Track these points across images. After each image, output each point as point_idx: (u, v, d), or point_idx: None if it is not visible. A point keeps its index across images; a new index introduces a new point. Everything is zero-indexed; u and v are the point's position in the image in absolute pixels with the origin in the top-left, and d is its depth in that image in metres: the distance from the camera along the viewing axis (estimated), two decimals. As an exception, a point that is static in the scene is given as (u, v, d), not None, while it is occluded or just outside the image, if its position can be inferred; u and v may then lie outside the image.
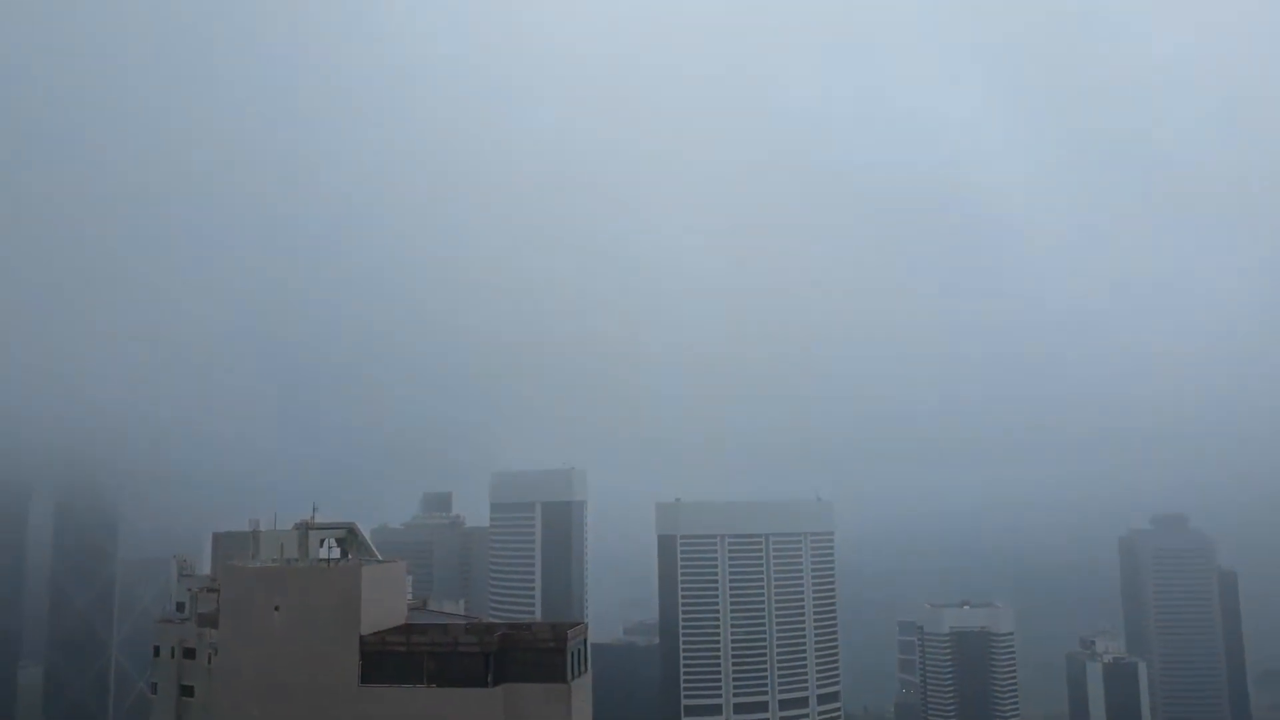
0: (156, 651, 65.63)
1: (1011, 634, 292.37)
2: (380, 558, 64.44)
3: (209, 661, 57.03)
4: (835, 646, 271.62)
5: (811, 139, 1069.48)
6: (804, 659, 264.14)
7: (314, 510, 63.45)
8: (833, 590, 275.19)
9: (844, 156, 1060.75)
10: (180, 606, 67.53)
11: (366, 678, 47.51)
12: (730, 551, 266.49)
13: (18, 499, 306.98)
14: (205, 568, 72.83)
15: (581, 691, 50.07)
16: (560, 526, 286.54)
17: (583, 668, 51.14)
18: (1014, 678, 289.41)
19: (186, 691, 62.26)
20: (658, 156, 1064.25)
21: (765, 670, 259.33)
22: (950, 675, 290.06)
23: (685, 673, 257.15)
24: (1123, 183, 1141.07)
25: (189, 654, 62.92)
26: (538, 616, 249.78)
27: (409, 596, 59.82)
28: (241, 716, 47.67)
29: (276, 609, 48.32)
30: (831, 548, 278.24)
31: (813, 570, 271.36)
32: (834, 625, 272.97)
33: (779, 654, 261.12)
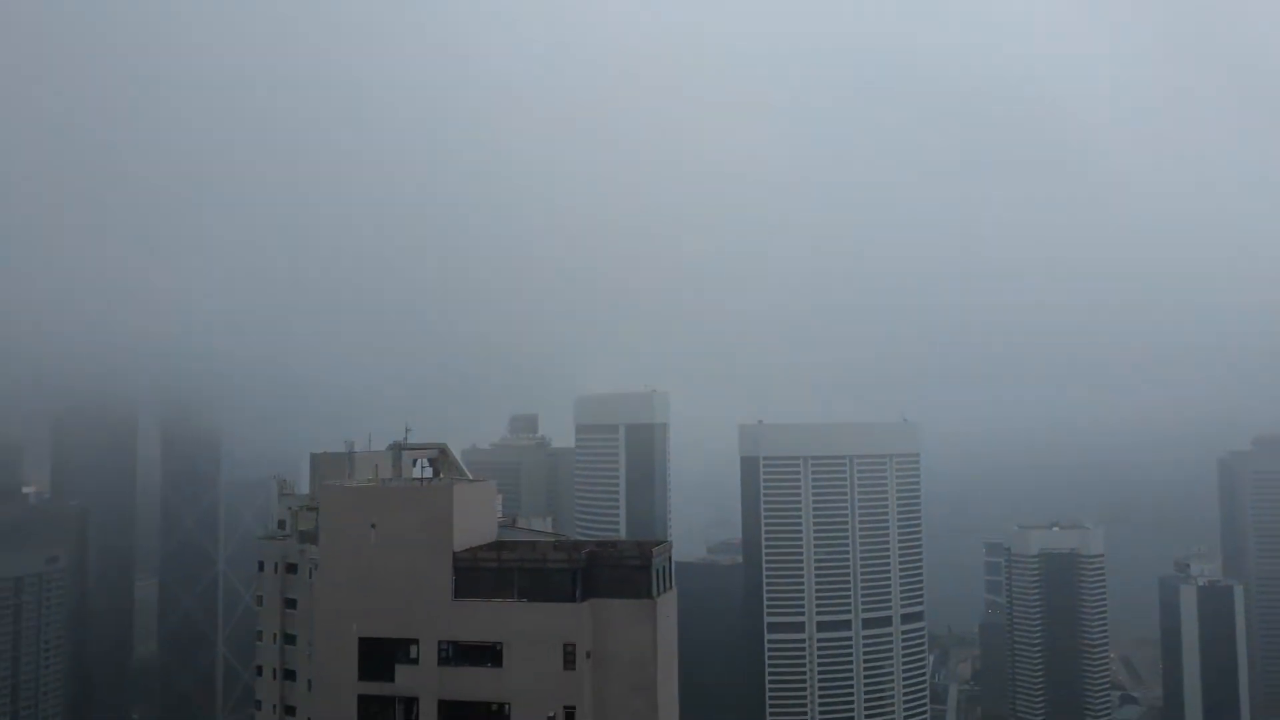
0: (260, 567, 68.90)
1: (1101, 556, 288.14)
2: (471, 477, 65.98)
3: (310, 576, 59.58)
4: (919, 567, 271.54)
5: (884, 33, 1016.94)
6: (888, 579, 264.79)
7: (406, 431, 65.03)
8: (918, 512, 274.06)
9: (920, 58, 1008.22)
10: (281, 524, 70.57)
11: (460, 592, 48.98)
12: (813, 473, 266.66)
13: (127, 425, 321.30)
14: (304, 488, 75.68)
15: (666, 607, 50.93)
16: (643, 448, 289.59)
17: (667, 584, 51.93)
18: (1103, 601, 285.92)
19: (290, 604, 65.41)
20: (735, 61, 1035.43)
21: (848, 590, 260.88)
22: (1038, 597, 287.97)
23: (768, 591, 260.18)
24: (1213, 84, 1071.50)
25: (291, 569, 65.94)
26: (622, 535, 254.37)
27: (499, 514, 61.22)
28: (341, 628, 49.70)
29: (373, 526, 49.90)
30: (917, 469, 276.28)
31: (897, 492, 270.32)
32: (918, 546, 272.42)
33: (862, 574, 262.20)
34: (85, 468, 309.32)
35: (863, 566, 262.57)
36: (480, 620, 48.54)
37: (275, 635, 65.29)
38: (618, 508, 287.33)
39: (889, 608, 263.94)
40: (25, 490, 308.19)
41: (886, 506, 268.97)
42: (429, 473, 64.01)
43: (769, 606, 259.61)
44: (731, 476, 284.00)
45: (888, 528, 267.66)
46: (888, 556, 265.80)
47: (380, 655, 49.25)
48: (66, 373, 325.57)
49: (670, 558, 53.64)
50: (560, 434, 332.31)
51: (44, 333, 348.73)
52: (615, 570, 49.74)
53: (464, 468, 68.95)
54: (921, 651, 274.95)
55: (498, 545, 52.30)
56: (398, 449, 64.89)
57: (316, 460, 71.25)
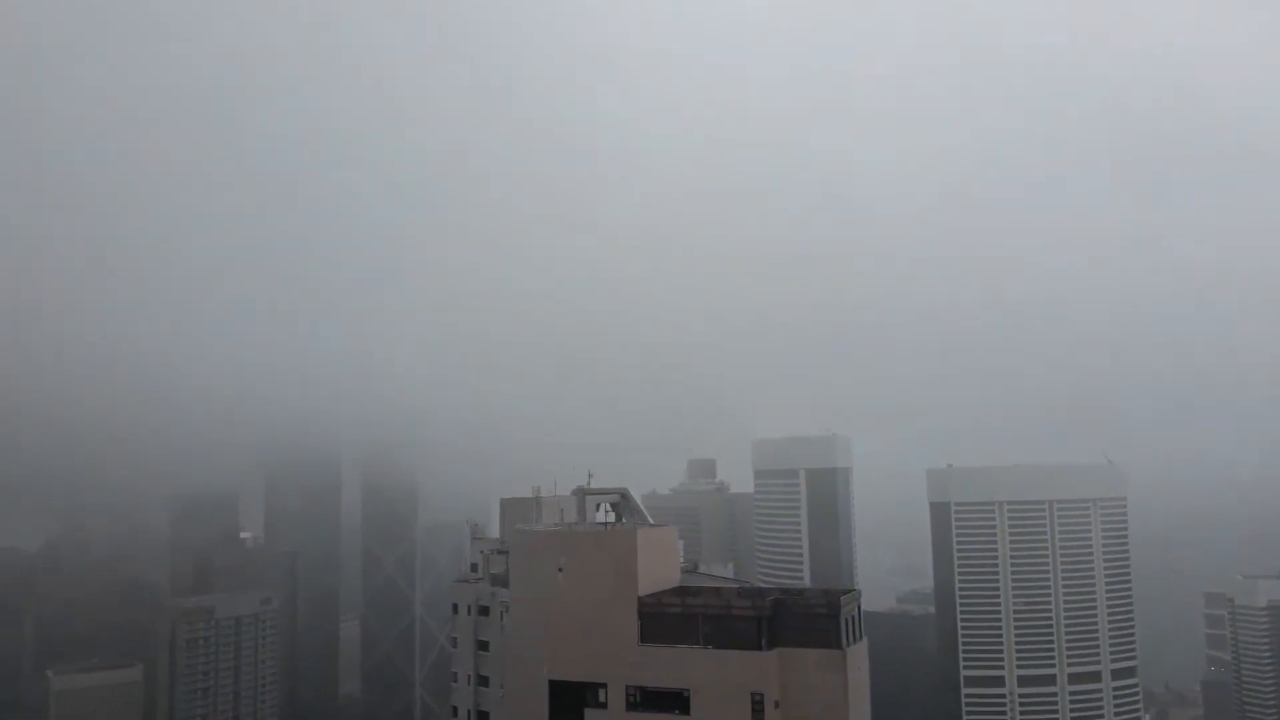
0: (455, 609, 70.98)
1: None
2: (652, 521, 66.18)
3: (501, 619, 61.00)
4: (1130, 619, 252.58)
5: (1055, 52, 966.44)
6: (1095, 631, 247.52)
7: (589, 476, 66.00)
8: (1126, 559, 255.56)
9: (1092, 74, 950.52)
10: (474, 567, 72.67)
11: (645, 637, 48.92)
12: (1010, 518, 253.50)
13: (331, 475, 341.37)
14: (494, 531, 77.84)
15: (857, 658, 49.18)
16: (825, 493, 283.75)
17: (857, 635, 50.19)
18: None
19: (482, 646, 67.06)
20: (899, 87, 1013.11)
21: (1051, 642, 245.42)
22: (1269, 653, 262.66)
23: (964, 643, 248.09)
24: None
25: (483, 611, 67.65)
26: (806, 582, 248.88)
27: (681, 559, 61.03)
28: (531, 670, 50.48)
29: (560, 570, 50.66)
30: (1124, 513, 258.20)
31: (1103, 538, 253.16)
32: (1128, 596, 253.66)
33: (1066, 626, 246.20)
34: (294, 515, 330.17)
35: (1067, 618, 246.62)
36: (667, 666, 48.25)
37: (469, 677, 66.99)
38: (800, 554, 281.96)
39: (1097, 662, 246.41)
40: (242, 536, 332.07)
41: (1091, 553, 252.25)
42: (611, 517, 64.63)
43: (965, 659, 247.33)
44: (919, 523, 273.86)
45: (1093, 576, 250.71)
46: (1094, 607, 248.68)
47: (570, 698, 49.64)
48: (277, 428, 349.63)
49: (859, 607, 51.91)
50: (738, 478, 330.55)
51: (257, 394, 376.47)
52: (802, 619, 48.49)
53: (645, 512, 69.23)
54: (1137, 710, 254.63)
55: (681, 591, 52.03)
56: (581, 494, 65.82)
57: (506, 505, 73.11)
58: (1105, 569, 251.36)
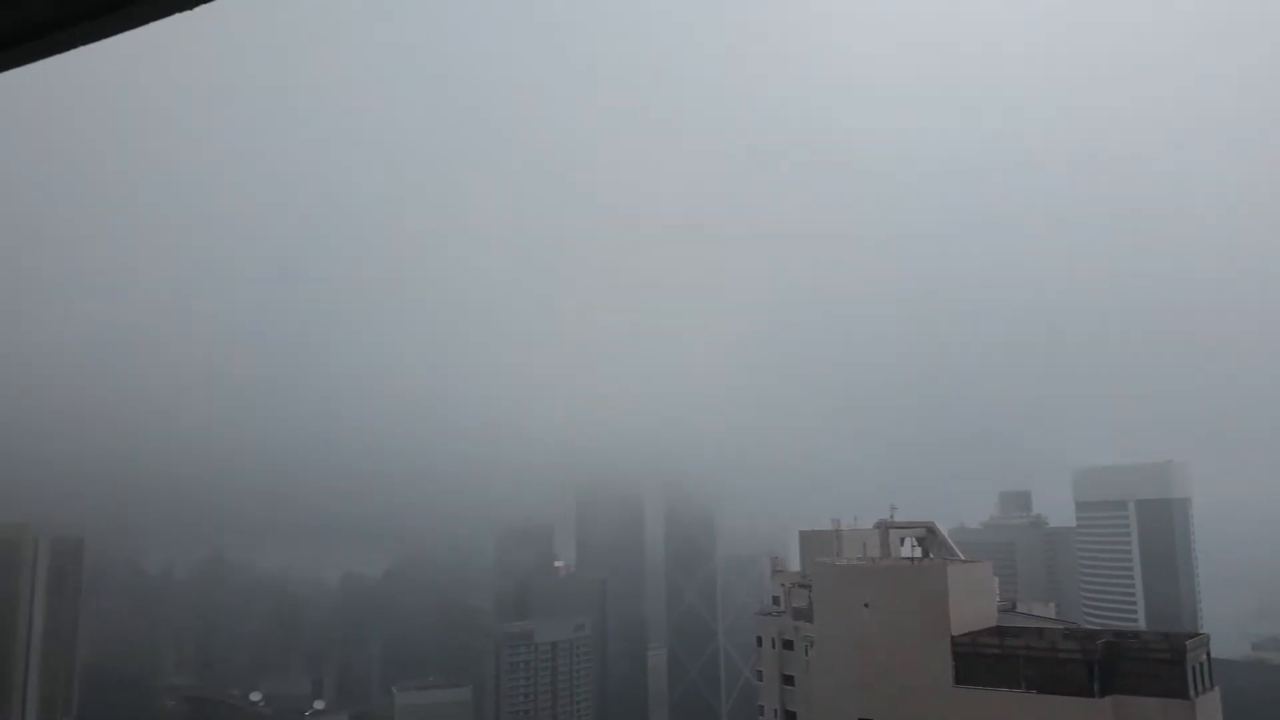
0: (759, 642, 70.93)
1: None
2: (963, 557, 62.95)
3: (806, 653, 60.14)
4: None
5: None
6: None
7: (892, 510, 63.95)
8: None
9: None
10: (775, 600, 72.36)
11: (960, 678, 46.36)
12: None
13: (635, 506, 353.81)
14: (794, 564, 77.22)
15: (1208, 709, 43.97)
16: (1160, 527, 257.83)
17: (1206, 683, 44.89)
18: None
19: (787, 680, 66.38)
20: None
21: None
22: None
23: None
24: None
25: (787, 645, 67.05)
26: (1141, 625, 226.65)
27: (996, 598, 57.51)
28: (839, 708, 49.22)
29: (866, 605, 49.23)
30: None
31: None
32: None
33: None
34: (602, 545, 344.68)
35: None
36: (986, 710, 45.44)
37: (775, 711, 66.47)
38: (1133, 594, 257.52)
39: None
40: (556, 565, 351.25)
41: None
42: (917, 552, 62.13)
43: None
44: (1276, 559, 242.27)
45: None
46: None
47: (880, 739, 47.97)
48: (586, 463, 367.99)
49: (1207, 653, 46.47)
50: (1057, 511, 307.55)
51: (567, 432, 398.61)
52: (1141, 664, 44.11)
53: (954, 547, 65.98)
54: None
55: (999, 631, 48.92)
56: (884, 527, 63.89)
57: (805, 538, 72.44)
58: None
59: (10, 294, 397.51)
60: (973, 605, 49.58)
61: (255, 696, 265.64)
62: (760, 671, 70.26)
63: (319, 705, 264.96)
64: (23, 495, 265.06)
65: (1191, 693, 42.75)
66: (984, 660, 46.09)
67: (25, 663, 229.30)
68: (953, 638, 46.70)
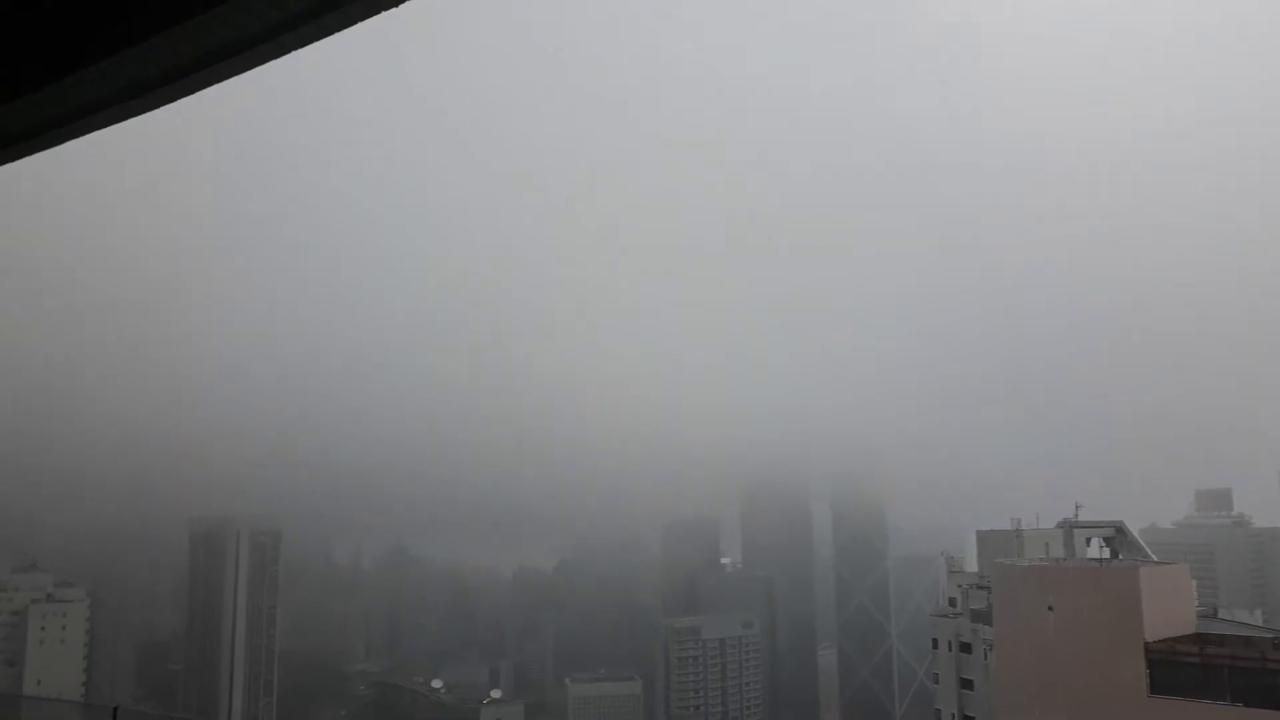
0: (934, 644, 69.07)
1: None
2: (1155, 559, 59.44)
3: (985, 657, 58.13)
4: None
5: None
6: None
7: (1077, 509, 61.11)
8: None
9: None
10: (952, 602, 70.30)
11: (1156, 688, 43.75)
12: None
13: (802, 501, 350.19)
14: (971, 565, 74.81)
15: None
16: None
17: None
18: None
19: (966, 684, 64.34)
20: None
21: None
22: None
23: None
24: None
25: (965, 648, 65.03)
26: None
27: (1195, 603, 53.93)
28: (1022, 715, 47.29)
29: (1050, 609, 47.12)
30: None
31: None
32: None
33: None
34: (769, 541, 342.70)
35: None
36: (1185, 723, 42.74)
37: (953, 715, 64.58)
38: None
39: None
40: (723, 561, 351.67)
41: None
42: (1105, 553, 59.04)
43: None
44: None
45: None
46: None
47: (1068, 750, 45.80)
48: (751, 459, 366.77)
49: None
50: (1264, 510, 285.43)
51: (732, 429, 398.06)
52: (1366, 679, 40.53)
53: (1145, 548, 62.38)
54: None
55: (1199, 638, 45.86)
56: (1069, 527, 61.12)
57: (983, 537, 70.17)
58: None
59: (214, 301, 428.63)
60: (1168, 610, 46.65)
61: (437, 684, 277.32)
62: (936, 674, 68.40)
63: (496, 694, 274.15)
64: (226, 491, 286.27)
65: None
66: (1183, 669, 43.32)
67: (231, 645, 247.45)
68: (1146, 644, 44.09)
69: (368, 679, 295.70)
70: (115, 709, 13.75)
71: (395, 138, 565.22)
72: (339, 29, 3.40)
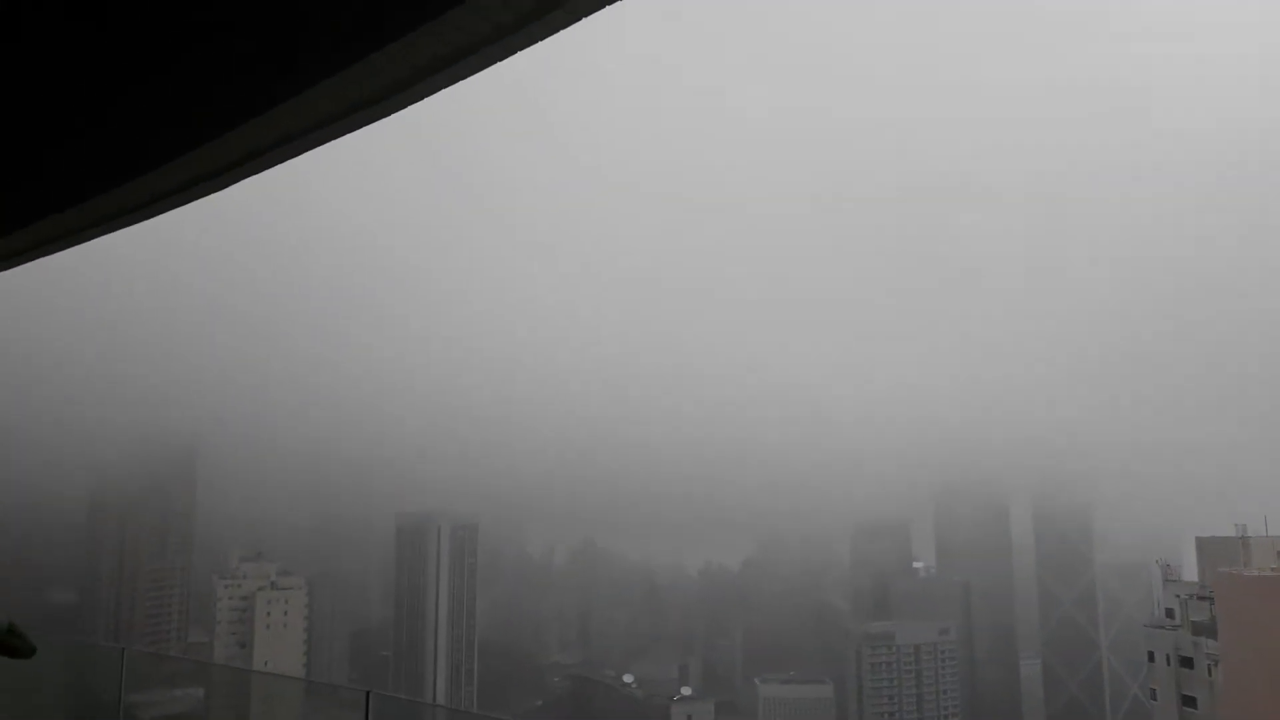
0: (1151, 657, 64.61)
1: None
2: None
3: (1209, 673, 53.83)
4: None
5: None
6: None
7: (1314, 514, 55.69)
8: None
9: None
10: (1169, 613, 65.53)
11: None
12: None
13: (999, 504, 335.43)
14: (1189, 574, 69.60)
15: None
16: None
17: None
18: None
19: (1188, 702, 59.79)
20: None
21: None
22: None
23: None
24: None
25: (1185, 663, 60.45)
26: None
27: None
28: (1255, 738, 43.48)
29: (1284, 623, 43.18)
30: None
31: None
32: None
33: None
34: (964, 545, 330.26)
35: None
36: None
37: (1173, 735, 60.22)
38: None
39: None
40: (915, 565, 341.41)
41: None
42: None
43: None
44: None
45: None
46: None
47: (1309, 779, 41.78)
48: (944, 456, 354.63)
49: None
50: None
51: (925, 429, 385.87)
52: None
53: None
54: None
55: None
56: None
57: (1204, 544, 65.07)
58: None
59: (420, 307, 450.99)
60: None
61: (628, 678, 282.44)
62: (1154, 690, 63.98)
63: (686, 691, 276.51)
64: (427, 488, 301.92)
65: None
66: None
67: (435, 634, 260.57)
68: (1403, 666, 39.74)
69: (561, 670, 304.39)
70: (368, 693, 14.48)
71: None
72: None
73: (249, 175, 4.23)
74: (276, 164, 4.18)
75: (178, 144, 3.75)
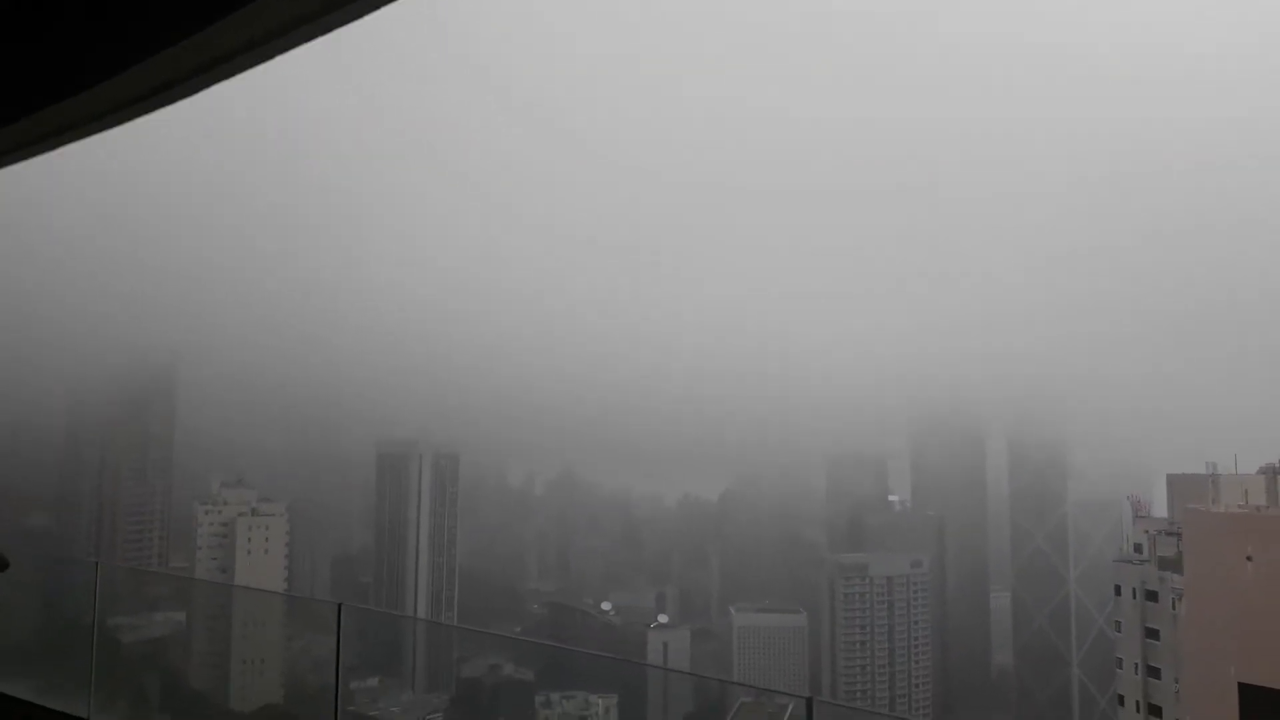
0: (1117, 591, 66.09)
1: None
2: (1375, 511, 54.42)
3: (1173, 606, 55.16)
4: None
5: None
6: None
7: (1283, 453, 56.55)
8: None
9: None
10: (1137, 548, 66.90)
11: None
12: None
13: (975, 438, 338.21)
14: (1159, 510, 70.89)
15: None
16: None
17: None
18: None
19: (1151, 634, 61.33)
20: None
21: None
22: None
23: None
24: None
25: (1151, 596, 61.90)
26: None
27: None
28: (1214, 670, 44.65)
29: (1249, 559, 44.06)
30: None
31: None
32: None
33: None
34: (939, 479, 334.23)
35: None
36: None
37: (1136, 665, 61.81)
38: None
39: None
40: (890, 499, 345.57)
41: None
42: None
43: None
44: None
45: None
46: None
47: (1266, 705, 43.03)
48: (923, 392, 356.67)
49: None
50: None
51: (901, 362, 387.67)
52: None
53: (1366, 498, 57.19)
54: None
55: None
56: (1272, 473, 56.68)
57: (1174, 481, 66.19)
58: None
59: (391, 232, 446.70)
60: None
61: (606, 606, 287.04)
62: (1119, 622, 65.58)
63: (663, 619, 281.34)
64: (410, 418, 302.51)
65: None
66: None
67: (415, 562, 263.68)
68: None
69: (540, 598, 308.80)
70: (339, 605, 14.65)
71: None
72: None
73: (212, 84, 4.20)
74: (244, 69, 4.19)
75: (123, 56, 3.74)
